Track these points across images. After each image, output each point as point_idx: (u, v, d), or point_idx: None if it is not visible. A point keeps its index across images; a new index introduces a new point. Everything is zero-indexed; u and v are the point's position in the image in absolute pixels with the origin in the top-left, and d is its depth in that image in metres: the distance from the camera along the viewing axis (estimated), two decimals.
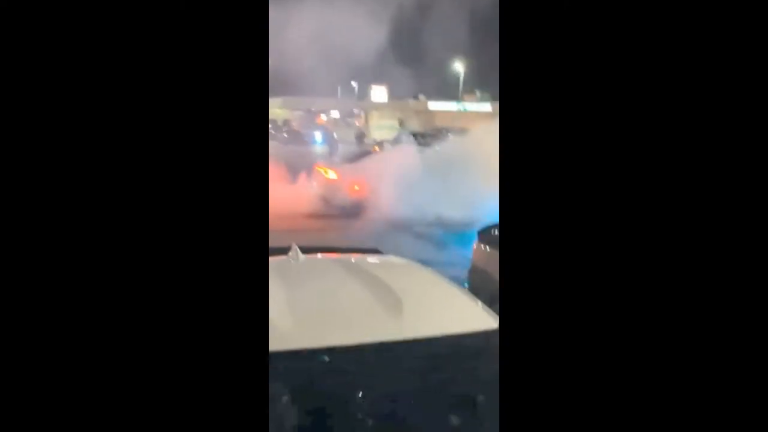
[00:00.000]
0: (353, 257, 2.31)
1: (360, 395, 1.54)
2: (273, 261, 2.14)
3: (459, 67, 37.86)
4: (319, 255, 2.34)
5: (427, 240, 7.73)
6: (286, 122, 30.72)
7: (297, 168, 10.88)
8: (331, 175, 10.44)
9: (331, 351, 1.49)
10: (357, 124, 34.55)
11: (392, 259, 2.41)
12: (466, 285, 3.92)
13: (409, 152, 11.11)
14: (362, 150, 15.18)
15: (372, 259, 2.37)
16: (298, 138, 20.45)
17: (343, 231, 7.90)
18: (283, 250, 2.21)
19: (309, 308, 1.72)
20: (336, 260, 2.24)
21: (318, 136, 17.56)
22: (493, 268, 4.05)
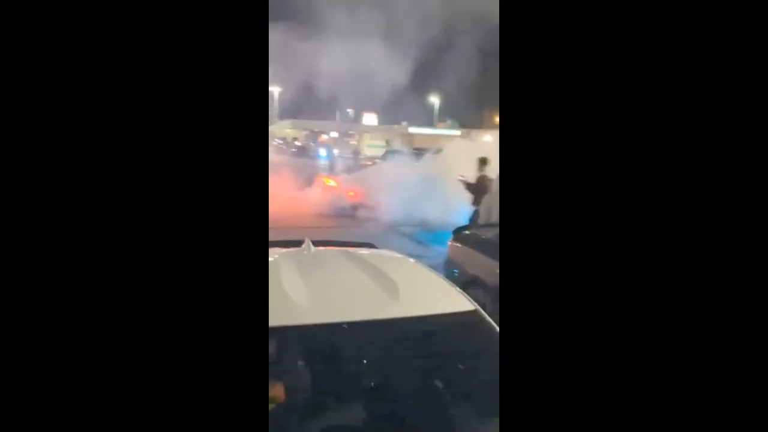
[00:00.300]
0: (356, 250, 2.29)
1: (365, 361, 1.53)
2: (290, 252, 2.12)
3: (435, 100, 38.07)
4: (322, 248, 2.32)
5: (411, 238, 7.71)
6: (294, 139, 30.69)
7: (304, 177, 10.86)
8: (331, 183, 10.42)
9: (341, 325, 1.48)
10: (352, 143, 34.51)
11: (387, 252, 2.39)
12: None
13: (395, 166, 11.10)
14: (357, 164, 15.15)
15: (371, 252, 2.35)
16: (304, 153, 20.39)
17: (341, 229, 7.87)
18: (298, 243, 2.20)
19: (323, 290, 1.70)
20: (342, 252, 2.22)
21: (322, 151, 17.62)
22: (464, 261, 4.05)
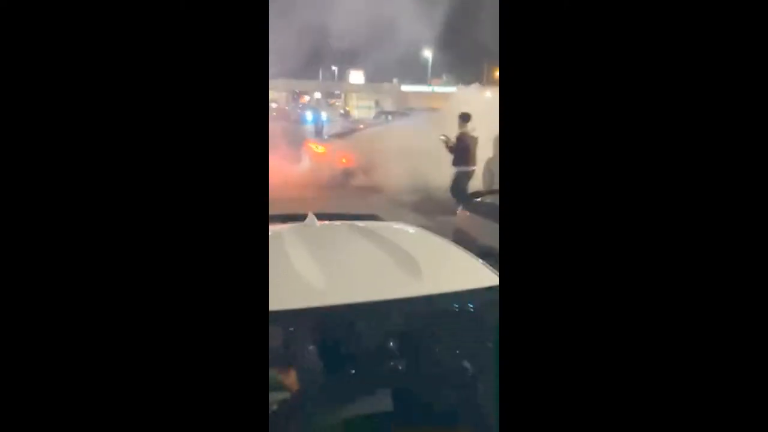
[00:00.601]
0: (363, 223, 2.27)
1: (391, 343, 1.53)
2: (293, 227, 2.10)
3: (428, 54, 37.43)
4: (327, 222, 2.30)
5: (415, 206, 7.67)
6: (272, 101, 30.30)
7: (289, 144, 10.73)
8: (321, 149, 10.31)
9: (362, 306, 1.47)
10: (336, 104, 34.10)
11: (398, 224, 2.38)
12: None
13: (389, 128, 11.02)
14: (347, 127, 14.98)
15: (381, 224, 2.34)
16: (287, 117, 20.15)
17: (336, 200, 7.84)
18: (296, 217, 2.17)
19: (336, 268, 1.69)
20: (351, 226, 2.19)
21: (308, 115, 17.38)
22: (474, 231, 4.06)
